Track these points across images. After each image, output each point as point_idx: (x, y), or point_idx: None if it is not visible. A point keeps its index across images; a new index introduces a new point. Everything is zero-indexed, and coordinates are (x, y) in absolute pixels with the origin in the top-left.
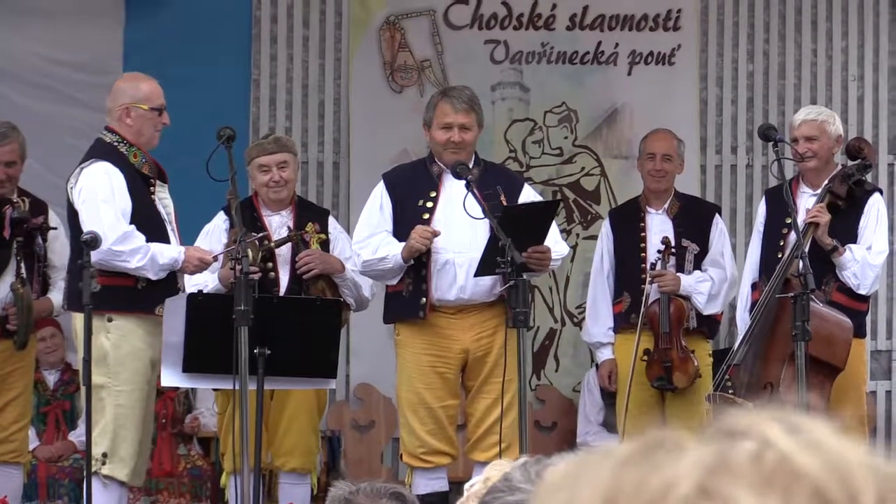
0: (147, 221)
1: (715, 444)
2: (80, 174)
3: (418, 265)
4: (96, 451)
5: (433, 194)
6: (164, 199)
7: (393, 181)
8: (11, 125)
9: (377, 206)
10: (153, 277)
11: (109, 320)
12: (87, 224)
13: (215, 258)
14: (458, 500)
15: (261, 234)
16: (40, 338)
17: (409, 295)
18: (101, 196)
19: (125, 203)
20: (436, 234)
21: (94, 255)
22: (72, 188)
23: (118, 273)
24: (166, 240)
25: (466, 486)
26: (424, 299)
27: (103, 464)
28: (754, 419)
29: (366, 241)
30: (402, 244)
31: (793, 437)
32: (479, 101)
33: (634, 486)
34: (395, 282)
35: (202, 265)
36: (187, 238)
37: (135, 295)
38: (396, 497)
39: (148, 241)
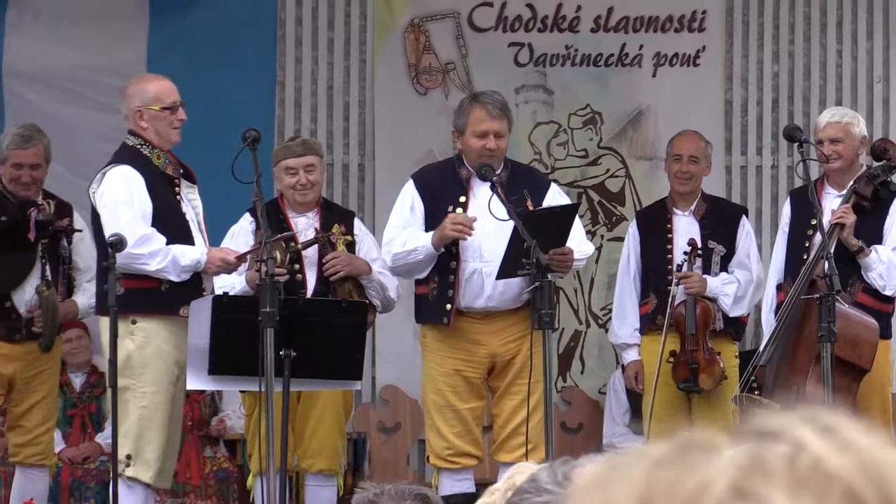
0: (170, 223)
1: (749, 445)
2: (101, 178)
3: (446, 269)
4: (121, 453)
5: (462, 199)
6: (192, 200)
7: (423, 183)
8: (36, 128)
9: (408, 206)
10: (175, 279)
11: (133, 322)
12: (108, 227)
13: (239, 258)
14: (479, 501)
15: (287, 234)
16: (66, 340)
17: (434, 299)
18: (119, 199)
19: (145, 205)
20: (473, 220)
21: (115, 258)
22: (93, 192)
23: (141, 276)
24: (190, 241)
25: (488, 490)
26: (450, 306)
27: (127, 465)
28: (788, 420)
29: (395, 236)
30: (431, 233)
31: (826, 439)
32: (508, 106)
33: (669, 487)
34: (425, 274)
35: (225, 266)
36: (213, 240)
37: (158, 297)
38: (421, 499)
39: (171, 242)
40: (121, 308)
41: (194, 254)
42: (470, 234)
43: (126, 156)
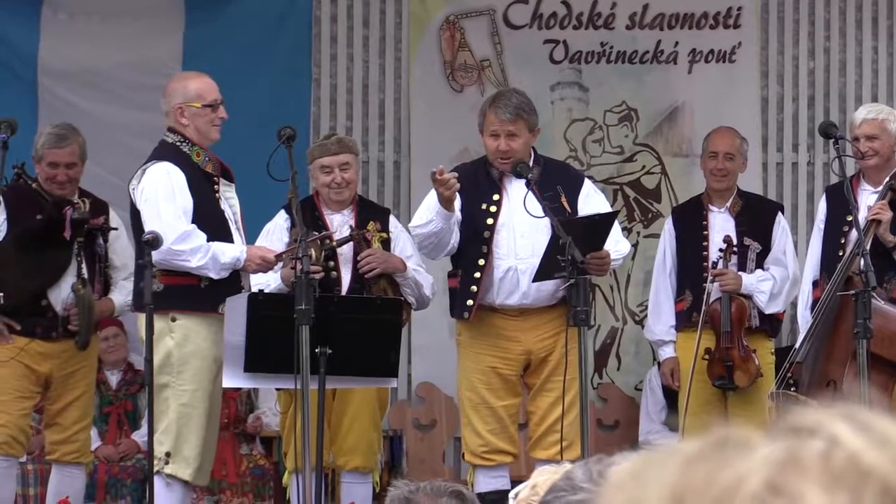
0: (209, 220)
1: (784, 441)
2: (142, 175)
3: (473, 265)
4: (159, 451)
5: (496, 198)
6: (230, 199)
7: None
8: (72, 127)
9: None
10: (215, 276)
11: (173, 320)
12: (149, 224)
13: (278, 257)
14: None
15: (323, 234)
16: (103, 337)
17: (457, 293)
18: (161, 195)
19: (186, 202)
20: (446, 174)
21: (156, 255)
22: (133, 189)
23: (181, 272)
24: (229, 239)
25: (511, 493)
26: (472, 301)
27: (166, 463)
28: (823, 417)
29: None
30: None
31: (862, 435)
32: (529, 106)
33: (703, 483)
34: (454, 242)
35: (264, 264)
36: (249, 238)
37: (198, 294)
38: (456, 496)
39: (210, 239)
40: (160, 304)
41: (234, 251)
42: (453, 185)
43: (166, 152)
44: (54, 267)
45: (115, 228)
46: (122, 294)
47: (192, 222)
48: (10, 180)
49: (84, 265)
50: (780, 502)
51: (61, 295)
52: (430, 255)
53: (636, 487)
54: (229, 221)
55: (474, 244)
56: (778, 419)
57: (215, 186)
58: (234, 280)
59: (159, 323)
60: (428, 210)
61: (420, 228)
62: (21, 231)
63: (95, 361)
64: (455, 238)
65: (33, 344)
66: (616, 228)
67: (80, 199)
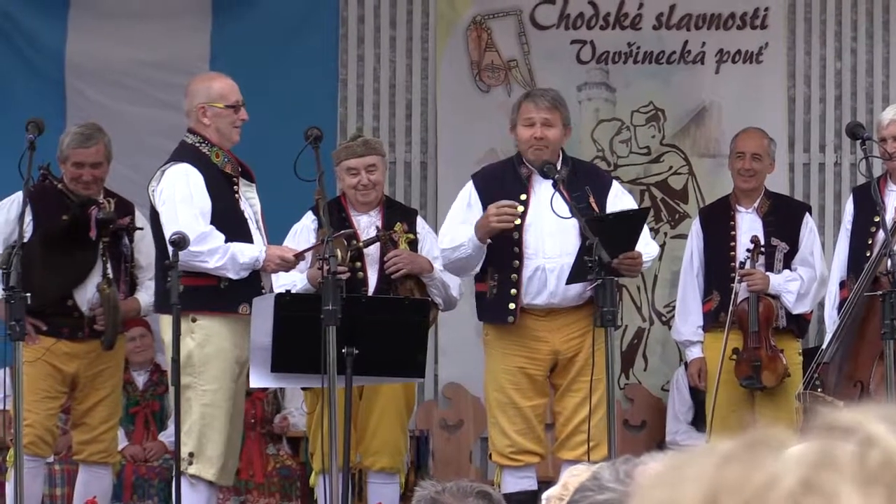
0: (228, 221)
1: (819, 440)
2: (161, 176)
3: (507, 267)
4: (183, 451)
5: (523, 198)
6: (251, 199)
7: (483, 182)
8: (97, 126)
9: (464, 204)
10: (234, 277)
11: (194, 321)
12: (167, 225)
13: (297, 256)
14: None
15: (347, 232)
16: (130, 338)
17: (494, 298)
18: (178, 197)
19: (204, 203)
20: (515, 207)
21: (174, 256)
22: (153, 190)
23: (200, 273)
24: (249, 239)
25: (544, 495)
26: (514, 305)
27: (190, 463)
28: (858, 417)
29: (445, 234)
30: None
31: None
32: (563, 102)
33: (737, 482)
34: (477, 269)
35: (284, 263)
36: (275, 238)
37: (217, 295)
38: (483, 496)
39: (229, 240)
40: (182, 306)
41: (253, 251)
42: (514, 220)
43: (185, 153)
44: (80, 267)
45: (141, 228)
46: (148, 294)
47: (211, 223)
48: (35, 180)
49: (109, 265)
50: (815, 501)
51: (87, 295)
52: (456, 275)
53: (670, 488)
54: (249, 221)
55: (504, 246)
56: (811, 419)
57: (234, 187)
58: (254, 280)
59: (181, 323)
60: (459, 234)
61: (450, 252)
62: (46, 231)
63: (122, 361)
64: (482, 261)
65: (59, 344)
66: (645, 231)
67: (105, 199)
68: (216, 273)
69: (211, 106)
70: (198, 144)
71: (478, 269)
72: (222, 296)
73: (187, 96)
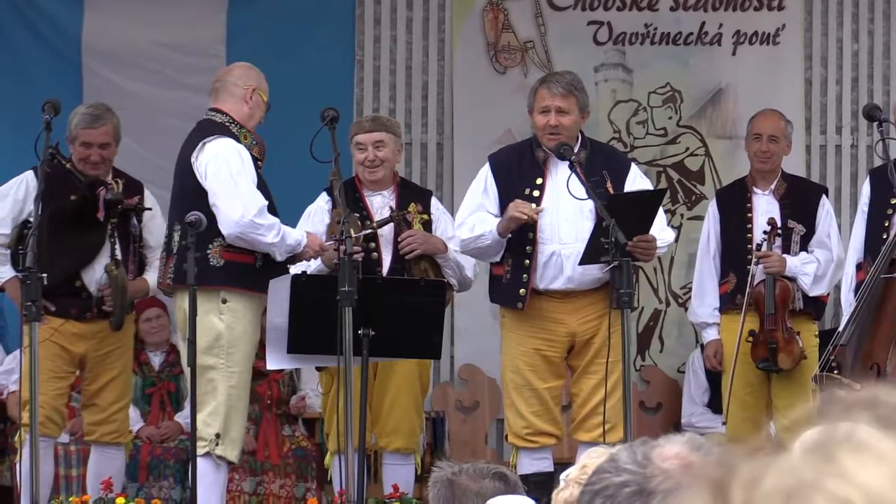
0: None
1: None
2: (206, 149)
3: (520, 252)
4: (209, 432)
5: (539, 181)
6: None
7: (499, 164)
8: (106, 107)
9: (481, 188)
10: (278, 258)
11: (224, 302)
12: (221, 197)
13: (335, 248)
14: (556, 489)
15: (354, 216)
16: (145, 318)
17: (508, 282)
18: (234, 169)
19: (255, 178)
20: (537, 210)
21: (234, 227)
22: (195, 162)
23: (241, 250)
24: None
25: (563, 475)
26: (524, 290)
27: (217, 444)
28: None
29: (465, 220)
30: (498, 219)
31: None
32: (581, 86)
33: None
34: (497, 258)
35: (321, 252)
36: (289, 217)
37: (254, 273)
38: (499, 477)
39: None
40: (215, 279)
41: (297, 235)
42: (534, 220)
43: (222, 130)
44: (88, 248)
45: (150, 209)
46: (157, 273)
47: None
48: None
49: (118, 246)
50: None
51: (95, 276)
52: (476, 258)
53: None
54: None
55: (519, 231)
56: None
57: (259, 171)
58: (283, 262)
59: (210, 303)
60: (480, 224)
61: (469, 242)
62: (54, 212)
63: (131, 342)
64: (502, 251)
65: (68, 325)
66: (661, 216)
67: (113, 180)
68: (266, 249)
69: (259, 93)
70: (227, 124)
71: (498, 257)
72: (256, 274)
73: (236, 73)
